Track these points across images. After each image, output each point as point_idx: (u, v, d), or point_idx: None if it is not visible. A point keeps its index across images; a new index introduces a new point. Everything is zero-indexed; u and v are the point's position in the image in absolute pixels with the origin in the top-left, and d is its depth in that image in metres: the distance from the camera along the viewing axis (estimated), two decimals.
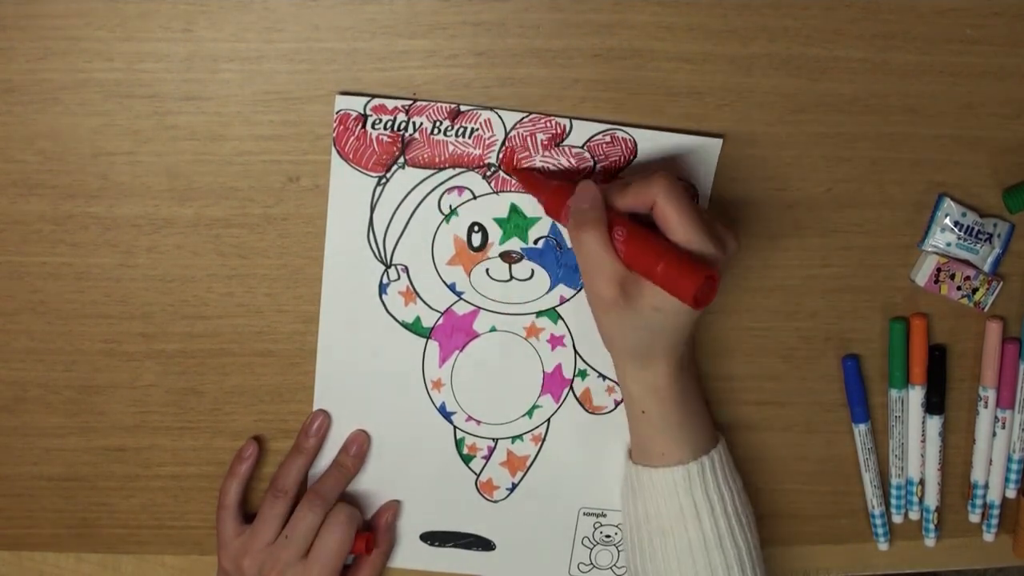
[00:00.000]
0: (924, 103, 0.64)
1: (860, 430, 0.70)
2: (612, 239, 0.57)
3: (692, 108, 0.63)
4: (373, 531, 0.69)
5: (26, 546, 0.72)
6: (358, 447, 0.68)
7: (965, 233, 0.66)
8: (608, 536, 0.72)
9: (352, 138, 0.61)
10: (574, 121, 0.62)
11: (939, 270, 0.67)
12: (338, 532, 0.66)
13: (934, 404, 0.70)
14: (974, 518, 0.74)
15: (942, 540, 0.75)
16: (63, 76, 0.60)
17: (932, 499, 0.73)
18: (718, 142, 0.63)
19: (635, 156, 0.63)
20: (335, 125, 0.61)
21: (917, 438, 0.71)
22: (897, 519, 0.74)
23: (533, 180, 0.62)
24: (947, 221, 0.66)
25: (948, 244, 0.66)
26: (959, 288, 0.67)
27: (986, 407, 0.71)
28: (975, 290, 0.67)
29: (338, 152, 0.62)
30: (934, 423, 0.71)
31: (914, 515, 0.74)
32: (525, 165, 0.62)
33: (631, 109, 0.62)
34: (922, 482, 0.73)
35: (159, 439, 0.69)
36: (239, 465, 0.68)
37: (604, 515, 0.71)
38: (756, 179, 0.65)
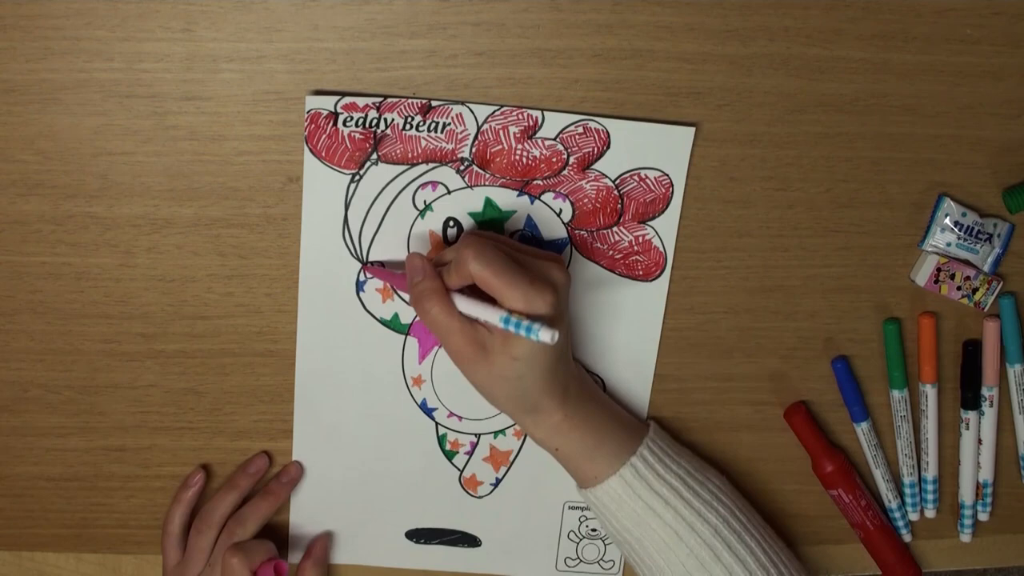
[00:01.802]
0: (924, 103, 0.64)
1: (862, 428, 0.70)
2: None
3: (692, 108, 0.63)
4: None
5: (26, 546, 0.72)
6: (290, 477, 0.69)
7: (965, 233, 0.66)
8: (594, 530, 0.72)
9: (324, 136, 0.61)
10: (546, 113, 0.62)
11: (939, 270, 0.67)
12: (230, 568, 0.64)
13: (968, 399, 0.70)
14: (983, 517, 0.74)
15: (942, 540, 0.75)
16: (63, 76, 0.60)
17: (968, 495, 0.73)
18: (691, 130, 0.62)
19: (608, 147, 0.62)
20: (306, 124, 0.61)
21: (935, 436, 0.71)
22: (913, 516, 0.73)
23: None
24: (947, 221, 0.66)
25: (948, 244, 0.66)
26: (959, 288, 0.67)
27: (991, 406, 0.70)
28: (975, 290, 0.67)
29: (310, 150, 0.62)
30: (971, 419, 0.71)
31: (929, 513, 0.73)
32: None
33: (631, 109, 0.62)
34: (936, 480, 0.72)
35: (159, 439, 0.69)
36: (184, 492, 0.69)
37: (589, 508, 0.71)
38: (756, 179, 0.65)
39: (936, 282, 0.67)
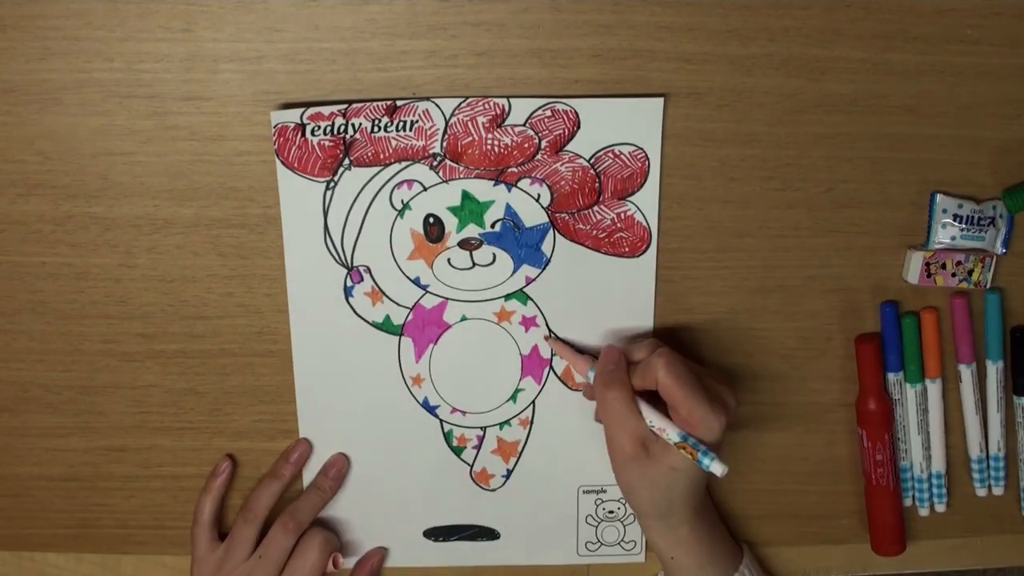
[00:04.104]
0: (924, 103, 0.64)
1: (898, 377, 0.70)
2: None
3: (692, 108, 0.63)
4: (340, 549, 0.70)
5: (26, 546, 0.72)
6: (336, 470, 0.69)
7: (966, 223, 0.66)
8: (611, 512, 0.72)
9: (294, 147, 0.61)
10: (512, 100, 0.62)
11: (928, 264, 0.66)
12: (312, 555, 0.67)
13: (1020, 386, 0.70)
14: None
15: (943, 540, 0.75)
16: (63, 76, 0.60)
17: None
18: (659, 101, 0.62)
19: (578, 127, 0.62)
20: (274, 138, 0.61)
21: (939, 429, 0.71)
22: (923, 512, 0.73)
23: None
24: (945, 217, 0.66)
25: (953, 238, 0.66)
26: (954, 275, 0.67)
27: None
28: (970, 272, 0.67)
29: (282, 163, 0.62)
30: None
31: (939, 507, 0.73)
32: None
33: None
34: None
35: (159, 439, 0.69)
36: (213, 481, 0.69)
37: (604, 491, 0.71)
38: (756, 179, 0.65)
39: (929, 276, 0.67)
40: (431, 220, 0.64)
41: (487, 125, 0.62)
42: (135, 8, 0.59)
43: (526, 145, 0.63)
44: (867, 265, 0.68)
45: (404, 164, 0.63)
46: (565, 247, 0.65)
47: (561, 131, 0.63)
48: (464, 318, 0.67)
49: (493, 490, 0.71)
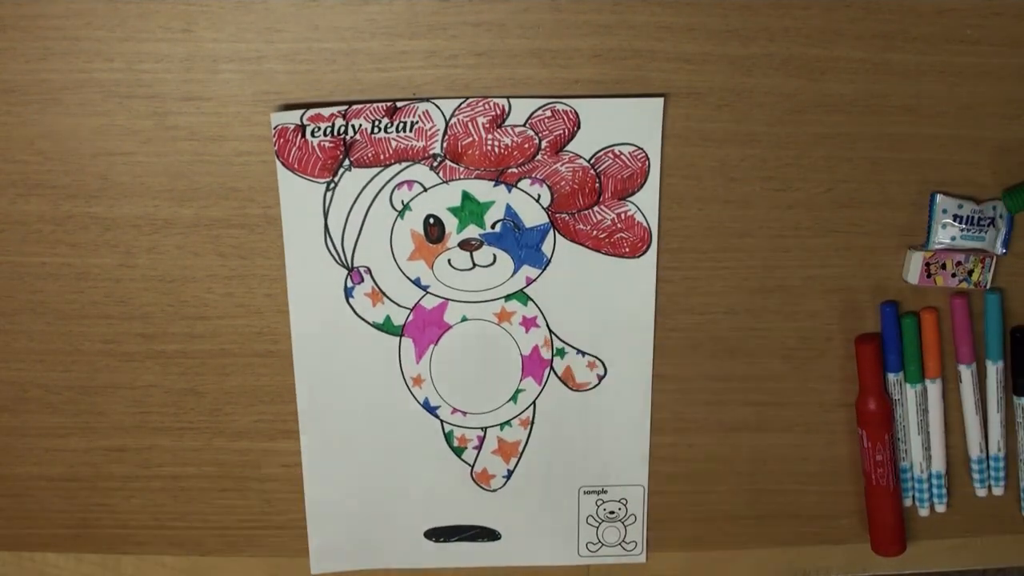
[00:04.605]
0: (924, 103, 0.64)
1: (896, 378, 0.70)
2: None
3: (692, 108, 0.63)
4: None
5: (26, 546, 0.72)
6: None
7: (967, 223, 0.66)
8: (612, 512, 0.72)
9: (294, 148, 0.62)
10: (512, 100, 0.62)
11: (928, 264, 0.66)
12: None
13: (1020, 386, 0.70)
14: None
15: (944, 540, 0.75)
16: (63, 76, 0.60)
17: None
18: (659, 101, 0.62)
19: (578, 127, 0.63)
20: (275, 139, 0.61)
21: (939, 430, 0.71)
22: (923, 512, 0.73)
23: None
24: (946, 217, 0.66)
25: (953, 238, 0.66)
26: (954, 275, 0.67)
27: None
28: (970, 272, 0.67)
29: (282, 164, 0.62)
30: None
31: (939, 508, 0.73)
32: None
33: None
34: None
35: (159, 439, 0.69)
36: None
37: (604, 491, 0.71)
38: (756, 179, 0.65)
39: (929, 276, 0.67)
40: (431, 221, 0.64)
41: (487, 125, 0.62)
42: (135, 8, 0.59)
43: (526, 145, 0.63)
44: (867, 265, 0.68)
45: (404, 165, 0.63)
46: (565, 248, 0.65)
47: (561, 131, 0.63)
48: (464, 319, 0.67)
49: (494, 491, 0.71)
